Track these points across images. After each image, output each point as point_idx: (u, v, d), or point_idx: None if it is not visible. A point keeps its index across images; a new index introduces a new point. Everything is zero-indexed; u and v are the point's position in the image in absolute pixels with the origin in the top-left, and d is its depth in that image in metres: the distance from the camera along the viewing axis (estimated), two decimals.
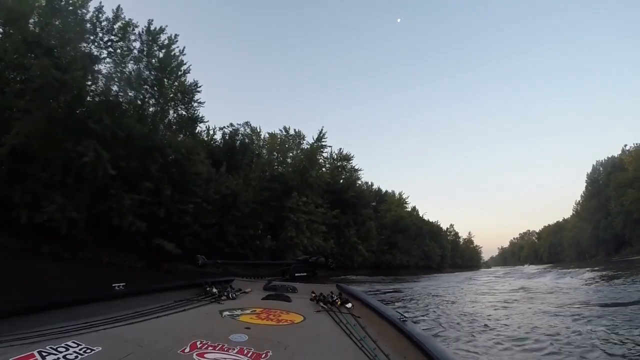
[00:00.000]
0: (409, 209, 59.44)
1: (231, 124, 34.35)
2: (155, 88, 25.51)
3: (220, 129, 34.28)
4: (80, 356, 1.08)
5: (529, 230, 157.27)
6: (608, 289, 12.52)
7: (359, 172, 44.74)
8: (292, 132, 37.54)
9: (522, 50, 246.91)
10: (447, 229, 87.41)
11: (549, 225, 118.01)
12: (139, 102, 24.91)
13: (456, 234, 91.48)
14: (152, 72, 25.51)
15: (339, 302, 2.02)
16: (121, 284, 1.85)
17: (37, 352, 1.06)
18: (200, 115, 30.50)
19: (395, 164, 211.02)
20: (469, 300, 10.29)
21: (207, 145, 32.61)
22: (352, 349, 1.34)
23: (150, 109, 26.03)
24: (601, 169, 71.71)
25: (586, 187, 76.29)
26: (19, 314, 1.37)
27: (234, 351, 1.20)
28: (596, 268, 26.26)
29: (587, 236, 71.58)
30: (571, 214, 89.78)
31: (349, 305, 1.98)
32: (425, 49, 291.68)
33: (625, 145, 63.80)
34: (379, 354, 1.28)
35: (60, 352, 1.08)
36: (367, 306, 1.89)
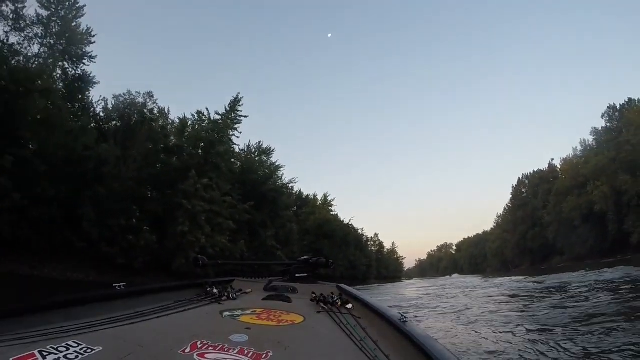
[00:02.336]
0: (335, 214, 54.85)
1: (128, 92, 26.74)
2: None
3: (115, 97, 26.65)
4: (80, 356, 1.09)
5: (447, 243, 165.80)
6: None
7: (281, 169, 38.74)
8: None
9: (452, 62, 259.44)
10: (372, 238, 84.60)
11: (468, 237, 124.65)
12: None
13: (381, 243, 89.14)
14: None
15: (339, 303, 2.06)
16: (122, 284, 1.88)
17: (38, 351, 1.07)
18: (91, 75, 25.16)
19: (317, 172, 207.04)
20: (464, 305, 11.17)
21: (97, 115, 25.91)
22: (353, 349, 1.36)
23: None
24: (527, 181, 75.82)
25: (511, 199, 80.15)
26: (19, 314, 1.40)
27: (235, 351, 1.22)
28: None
29: (511, 247, 75.17)
30: (492, 226, 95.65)
31: (350, 305, 2.02)
32: (355, 61, 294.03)
33: (552, 159, 68.38)
34: (380, 354, 1.30)
35: (61, 352, 1.09)
36: (368, 307, 1.94)
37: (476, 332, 6.39)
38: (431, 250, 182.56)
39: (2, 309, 1.37)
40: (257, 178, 34.71)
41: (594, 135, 54.03)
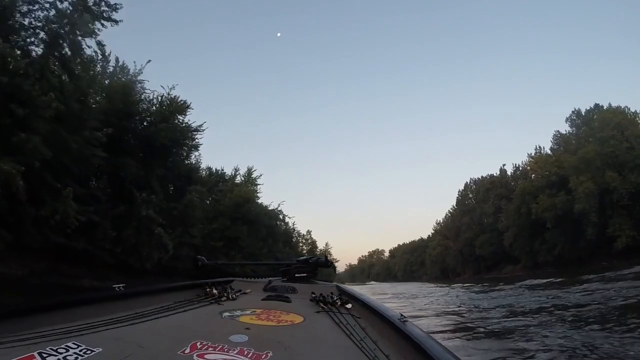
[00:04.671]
0: (261, 198, 42.66)
1: None
2: None
3: None
4: (80, 357, 1.08)
5: (378, 249, 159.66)
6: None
7: (198, 133, 25.83)
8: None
9: (403, 71, 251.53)
10: (304, 235, 73.48)
11: (403, 244, 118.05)
12: None
13: (314, 242, 78.06)
14: None
15: (339, 303, 2.03)
16: (121, 285, 1.86)
17: (37, 353, 1.06)
18: None
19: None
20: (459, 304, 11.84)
21: None
22: (352, 349, 1.35)
23: None
24: (474, 186, 70.08)
25: (456, 204, 74.32)
26: (19, 315, 1.39)
27: (234, 352, 1.21)
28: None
29: (453, 254, 69.43)
30: (430, 233, 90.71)
31: (349, 305, 2.00)
32: (304, 59, 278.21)
33: (504, 165, 63.02)
34: (379, 354, 1.28)
35: (61, 353, 1.08)
36: (367, 307, 1.93)
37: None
38: (362, 256, 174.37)
39: (2, 310, 1.35)
40: (147, 117, 22.28)
41: (554, 140, 50.65)
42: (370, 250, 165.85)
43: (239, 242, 32.17)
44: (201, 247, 27.46)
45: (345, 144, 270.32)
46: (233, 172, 39.27)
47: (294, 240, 61.69)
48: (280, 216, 45.74)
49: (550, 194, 38.36)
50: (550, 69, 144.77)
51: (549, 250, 40.10)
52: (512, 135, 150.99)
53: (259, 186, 40.01)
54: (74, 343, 1.15)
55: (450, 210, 76.91)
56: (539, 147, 52.51)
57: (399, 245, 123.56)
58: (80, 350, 1.10)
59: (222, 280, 2.56)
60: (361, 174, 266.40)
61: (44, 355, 1.05)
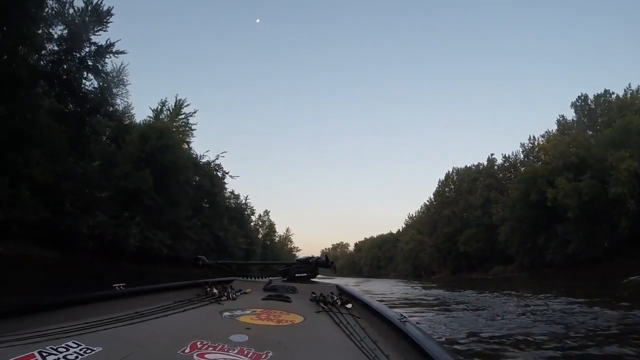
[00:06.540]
0: (194, 147, 31.95)
1: None
2: None
3: None
4: (80, 356, 1.07)
5: (342, 242, 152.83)
6: None
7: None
8: None
9: (379, 65, 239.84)
10: (261, 216, 62.98)
11: (371, 237, 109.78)
12: None
13: (272, 225, 67.57)
14: None
15: (339, 303, 2.00)
16: (122, 284, 1.83)
17: (38, 352, 1.05)
18: None
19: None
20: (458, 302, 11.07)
21: None
22: (352, 349, 1.34)
23: None
24: (456, 176, 61.12)
25: (435, 196, 65.07)
26: (19, 314, 1.36)
27: (234, 351, 1.20)
28: None
29: (429, 250, 60.29)
30: (402, 227, 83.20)
31: (349, 305, 1.96)
32: (285, 46, 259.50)
33: (492, 154, 54.83)
34: (379, 354, 1.27)
35: (61, 353, 1.07)
36: (367, 307, 1.89)
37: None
38: (325, 248, 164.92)
39: (2, 309, 1.33)
40: None
41: (558, 125, 44.05)
42: (334, 243, 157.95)
43: (142, 198, 21.59)
44: (61, 192, 16.96)
45: (312, 134, 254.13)
46: (159, 107, 28.41)
47: (251, 221, 51.63)
48: (219, 173, 34.90)
49: (569, 177, 29.76)
50: (535, 60, 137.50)
51: (559, 247, 31.43)
52: (489, 129, 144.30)
53: (193, 130, 29.52)
54: (74, 342, 1.13)
55: (427, 203, 67.98)
56: (532, 136, 46.24)
57: (365, 238, 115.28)
58: (81, 350, 1.08)
59: (222, 280, 2.50)
60: (327, 166, 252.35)
61: (44, 354, 1.02)
